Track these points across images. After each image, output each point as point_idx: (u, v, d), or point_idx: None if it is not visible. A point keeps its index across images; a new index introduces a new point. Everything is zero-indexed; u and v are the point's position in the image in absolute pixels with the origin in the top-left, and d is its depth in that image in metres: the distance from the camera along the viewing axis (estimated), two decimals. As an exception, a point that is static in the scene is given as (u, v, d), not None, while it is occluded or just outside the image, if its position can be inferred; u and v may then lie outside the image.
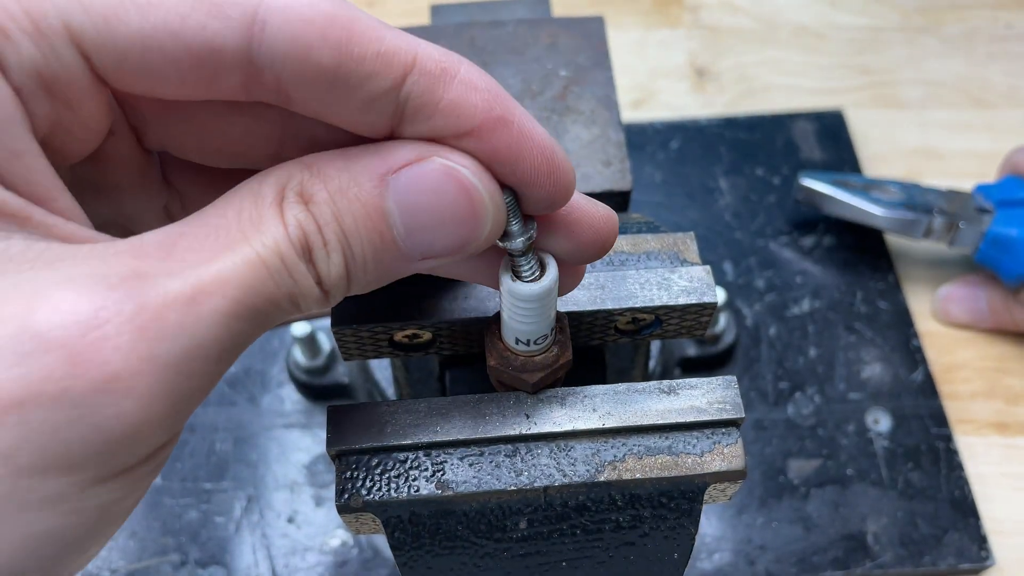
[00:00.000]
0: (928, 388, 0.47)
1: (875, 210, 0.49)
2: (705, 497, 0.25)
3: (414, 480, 0.23)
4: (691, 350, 0.46)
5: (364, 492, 0.23)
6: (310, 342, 0.44)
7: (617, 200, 0.34)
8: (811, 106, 0.57)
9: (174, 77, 0.17)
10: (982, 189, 0.50)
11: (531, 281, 0.21)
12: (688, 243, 0.27)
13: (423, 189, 0.18)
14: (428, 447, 0.23)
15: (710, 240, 0.52)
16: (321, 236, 0.18)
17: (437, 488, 0.23)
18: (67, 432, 0.15)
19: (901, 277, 0.51)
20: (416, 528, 0.23)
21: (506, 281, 0.21)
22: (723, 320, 0.46)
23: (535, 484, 0.23)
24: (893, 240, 0.52)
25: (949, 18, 0.63)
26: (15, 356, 0.15)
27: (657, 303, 0.26)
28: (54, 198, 0.17)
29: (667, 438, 0.24)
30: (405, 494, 0.23)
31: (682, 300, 0.26)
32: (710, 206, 0.53)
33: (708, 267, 0.26)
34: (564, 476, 0.23)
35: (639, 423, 0.24)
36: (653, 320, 0.27)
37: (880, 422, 0.46)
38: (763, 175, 0.54)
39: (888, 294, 0.50)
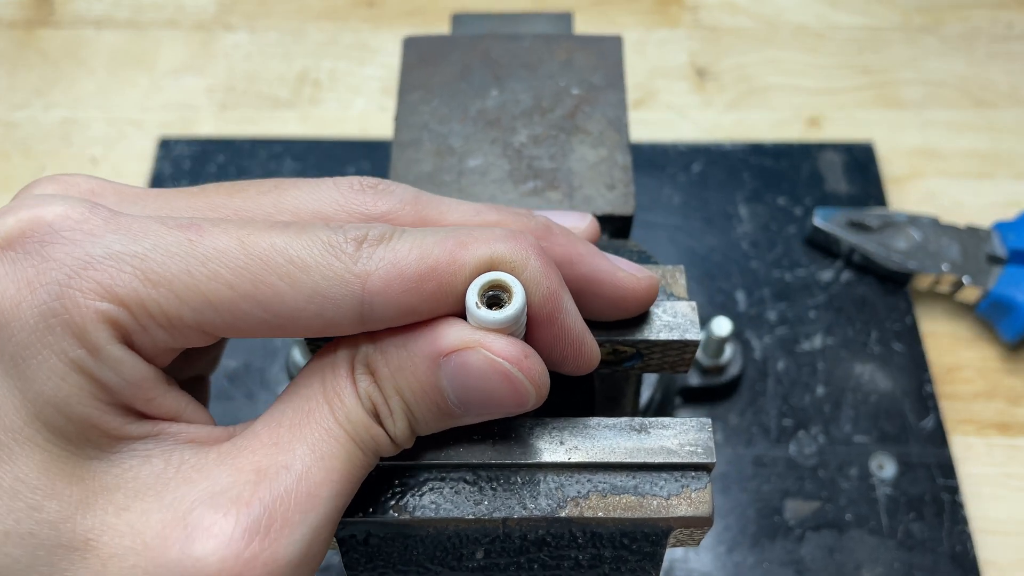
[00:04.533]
0: (938, 437, 0.45)
1: (885, 259, 0.49)
2: (671, 540, 0.24)
3: (372, 500, 0.22)
4: (694, 380, 0.45)
5: None
6: (310, 344, 0.44)
7: (618, 225, 0.33)
8: (835, 136, 0.56)
9: (293, 336, 0.21)
10: (1001, 228, 0.49)
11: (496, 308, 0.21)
12: (677, 277, 0.26)
13: (470, 375, 0.20)
14: (391, 469, 0.23)
15: (725, 268, 0.51)
16: (387, 406, 0.21)
17: (395, 511, 0.22)
18: None
19: (920, 318, 0.50)
20: (370, 549, 0.23)
21: (471, 307, 0.21)
22: (729, 351, 0.45)
23: (494, 515, 0.23)
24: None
25: (950, 18, 0.62)
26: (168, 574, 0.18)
27: (637, 337, 0.25)
28: (181, 411, 0.21)
29: (634, 477, 0.23)
30: (361, 514, 0.22)
31: (663, 336, 0.25)
32: (728, 232, 0.52)
33: (694, 303, 0.26)
34: (524, 509, 0.23)
35: (606, 460, 0.23)
36: (635, 353, 0.26)
37: (884, 468, 0.45)
38: (784, 205, 0.53)
39: (904, 336, 0.48)
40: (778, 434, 0.46)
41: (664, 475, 0.23)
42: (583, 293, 0.23)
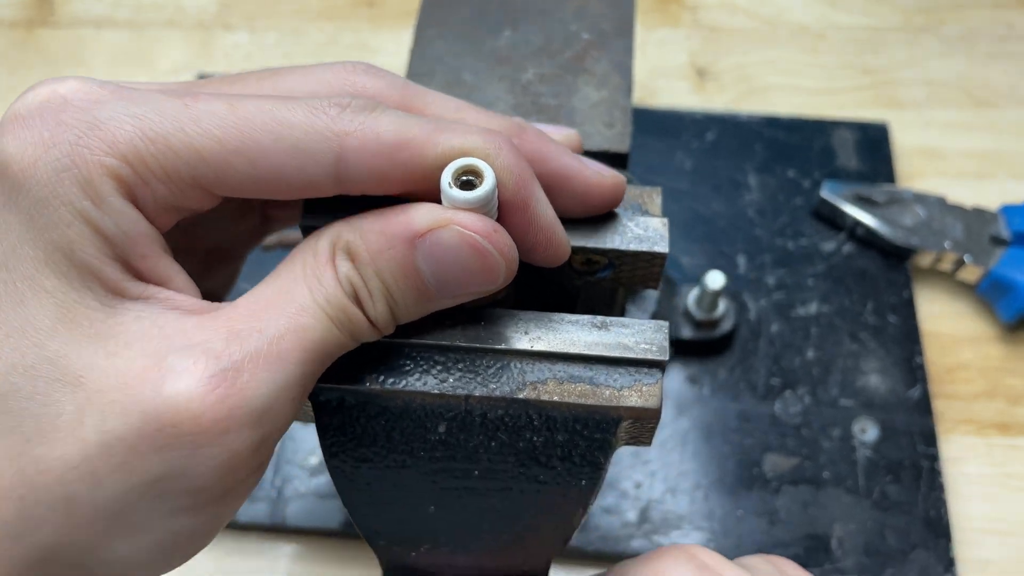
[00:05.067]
0: (923, 406, 0.46)
1: (888, 234, 0.49)
2: (623, 436, 0.26)
3: (348, 372, 0.24)
4: (686, 332, 0.47)
5: None
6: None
7: (612, 161, 0.35)
8: (847, 115, 0.57)
9: (278, 195, 0.23)
10: (1007, 211, 0.49)
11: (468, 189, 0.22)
12: (654, 197, 0.28)
13: (444, 251, 0.22)
14: (368, 346, 0.25)
15: (728, 233, 0.52)
16: (367, 288, 0.22)
17: (368, 382, 0.24)
18: (187, 466, 0.21)
19: (919, 295, 0.50)
20: (342, 416, 0.25)
21: (445, 188, 0.22)
22: (722, 307, 0.47)
23: (457, 391, 0.24)
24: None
25: (950, 18, 0.62)
26: (155, 413, 0.20)
27: (608, 246, 0.27)
28: (173, 279, 0.23)
29: (590, 369, 0.25)
30: (336, 382, 0.24)
31: (633, 247, 0.27)
32: (735, 200, 0.53)
33: (666, 220, 0.27)
34: (486, 388, 0.24)
35: (566, 351, 0.25)
36: (607, 264, 0.27)
37: (867, 431, 0.46)
38: (794, 176, 0.54)
39: (900, 309, 0.49)
40: (765, 392, 0.47)
41: (620, 369, 0.25)
42: (552, 189, 0.25)
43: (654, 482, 0.44)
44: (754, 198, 0.53)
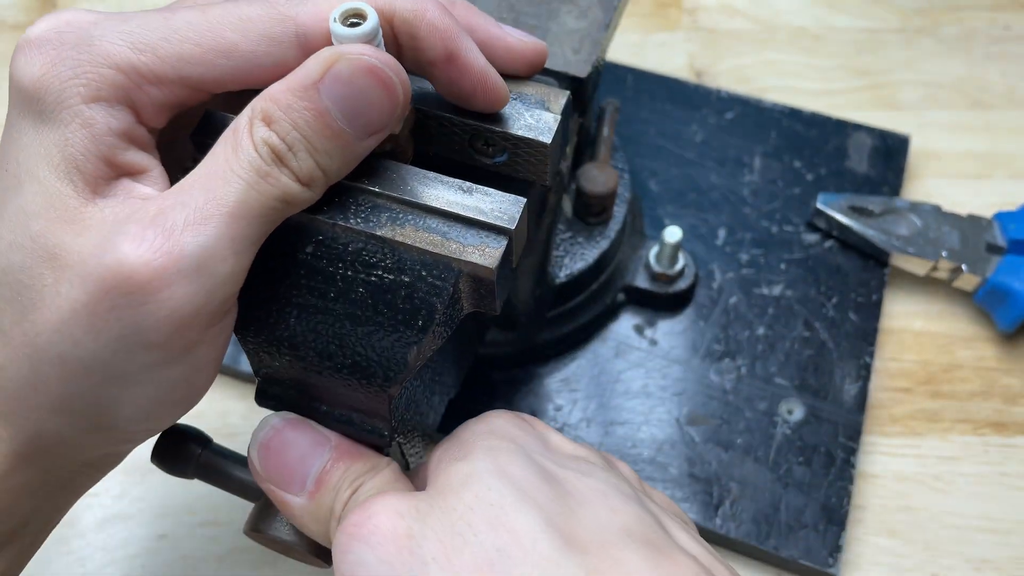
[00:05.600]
0: (857, 403, 0.47)
1: (884, 245, 0.50)
2: (465, 292, 0.28)
3: None
4: (640, 281, 0.49)
5: None
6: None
7: (566, 84, 0.37)
8: (846, 116, 0.57)
9: (259, 80, 0.26)
10: (1002, 218, 0.50)
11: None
12: (559, 98, 0.30)
13: (345, 84, 0.25)
14: None
15: (718, 205, 0.53)
16: (285, 144, 0.25)
17: None
18: (139, 321, 0.24)
19: (887, 298, 0.51)
20: None
21: (333, 28, 0.26)
22: (681, 263, 0.48)
23: (326, 219, 0.28)
24: (899, 263, 0.51)
25: (947, 19, 0.61)
26: (102, 279, 0.24)
27: (499, 129, 0.29)
28: (148, 169, 0.27)
29: (446, 224, 0.28)
30: None
31: (521, 133, 0.29)
32: (734, 177, 0.54)
33: (559, 116, 0.30)
34: (352, 220, 0.28)
35: (428, 204, 0.28)
36: (503, 149, 0.30)
37: (793, 413, 0.47)
38: (799, 167, 0.55)
39: (863, 310, 0.50)
40: (705, 354, 0.48)
41: (473, 230, 0.28)
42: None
43: (574, 410, 0.47)
44: (753, 179, 0.54)
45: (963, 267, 0.49)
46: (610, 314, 0.49)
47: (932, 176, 0.55)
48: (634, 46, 0.62)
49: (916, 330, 0.51)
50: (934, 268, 0.50)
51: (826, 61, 0.61)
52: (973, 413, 0.48)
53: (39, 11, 0.62)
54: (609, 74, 0.58)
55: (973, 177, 0.55)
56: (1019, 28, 0.61)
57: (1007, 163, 0.56)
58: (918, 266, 0.50)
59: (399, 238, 0.27)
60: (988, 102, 0.58)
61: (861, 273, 0.51)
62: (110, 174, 0.26)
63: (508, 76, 0.30)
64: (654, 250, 0.48)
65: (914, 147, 0.56)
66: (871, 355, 0.48)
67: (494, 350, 0.47)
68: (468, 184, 0.28)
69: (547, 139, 0.29)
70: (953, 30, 0.61)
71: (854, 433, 0.46)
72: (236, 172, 0.25)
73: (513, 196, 0.28)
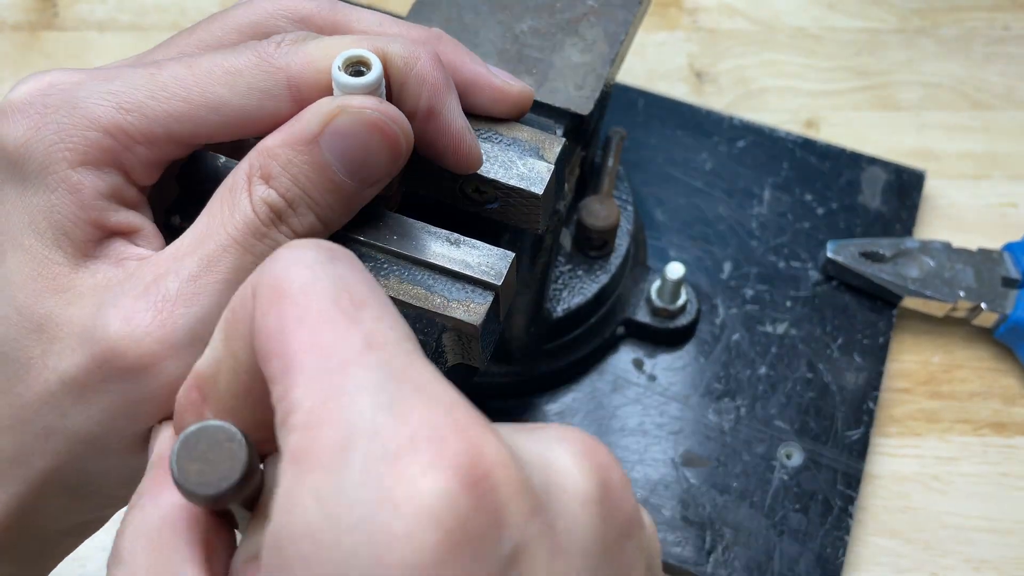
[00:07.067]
0: (858, 450, 0.46)
1: (900, 291, 0.49)
2: (449, 346, 0.28)
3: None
4: (640, 315, 0.48)
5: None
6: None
7: (567, 121, 0.36)
8: (830, 138, 0.56)
9: (250, 132, 0.26)
10: (1012, 249, 0.49)
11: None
12: (554, 145, 0.29)
13: (345, 137, 0.24)
14: None
15: (724, 237, 0.52)
16: (286, 201, 0.24)
17: None
18: (130, 395, 0.24)
19: (895, 340, 0.50)
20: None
21: (336, 75, 0.25)
22: (684, 299, 0.47)
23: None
24: (907, 303, 0.50)
25: (946, 20, 0.61)
26: (89, 355, 0.23)
27: (491, 177, 0.29)
28: (140, 228, 0.26)
29: (431, 277, 0.27)
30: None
31: (513, 182, 0.28)
32: (743, 208, 0.53)
33: (552, 166, 0.29)
34: (334, 269, 0.27)
35: (414, 256, 0.27)
36: (495, 196, 0.29)
37: (792, 457, 0.46)
38: (810, 201, 0.54)
39: (869, 353, 0.48)
40: (704, 392, 0.47)
41: (458, 284, 0.27)
42: (465, 94, 0.28)
43: (568, 445, 0.46)
44: (762, 211, 0.53)
45: (983, 305, 0.48)
46: (609, 347, 0.48)
47: (931, 177, 0.55)
48: (634, 46, 0.61)
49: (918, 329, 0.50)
50: (953, 309, 0.49)
51: (825, 61, 0.60)
52: (973, 413, 0.48)
53: (39, 11, 0.62)
54: (620, 97, 0.57)
55: (972, 178, 0.55)
56: (1019, 28, 0.61)
57: (1006, 163, 0.56)
58: (936, 308, 0.49)
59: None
60: (987, 103, 0.58)
61: (868, 314, 0.50)
62: (100, 236, 0.25)
63: (500, 119, 0.29)
64: (656, 284, 0.48)
65: (912, 148, 0.56)
66: (875, 402, 0.47)
67: (489, 379, 0.46)
68: (456, 236, 0.27)
69: (539, 190, 0.28)
70: (952, 30, 0.61)
71: (853, 481, 0.45)
72: (232, 235, 0.24)
73: (501, 251, 0.27)
